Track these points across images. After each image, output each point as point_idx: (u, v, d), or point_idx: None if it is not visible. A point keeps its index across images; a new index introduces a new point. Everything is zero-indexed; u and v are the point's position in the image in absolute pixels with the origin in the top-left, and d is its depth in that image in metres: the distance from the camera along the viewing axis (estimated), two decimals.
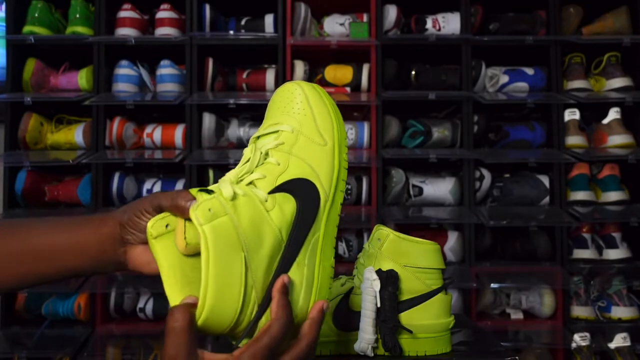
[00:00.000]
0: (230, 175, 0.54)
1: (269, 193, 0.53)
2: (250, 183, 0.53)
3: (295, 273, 0.52)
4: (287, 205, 0.53)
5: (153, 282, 1.75)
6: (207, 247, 0.46)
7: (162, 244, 0.50)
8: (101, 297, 1.75)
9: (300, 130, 0.57)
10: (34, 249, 0.56)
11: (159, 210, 0.52)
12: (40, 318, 1.78)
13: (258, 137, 0.59)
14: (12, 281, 0.57)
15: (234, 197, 0.50)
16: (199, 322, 0.46)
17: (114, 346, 1.71)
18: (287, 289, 0.50)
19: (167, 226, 0.51)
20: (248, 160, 0.56)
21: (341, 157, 0.58)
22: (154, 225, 0.50)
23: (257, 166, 0.55)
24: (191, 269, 0.50)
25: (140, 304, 1.77)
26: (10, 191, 1.76)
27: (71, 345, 1.63)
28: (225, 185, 0.51)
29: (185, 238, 0.49)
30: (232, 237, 0.48)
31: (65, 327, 1.76)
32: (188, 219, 0.49)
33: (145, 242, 0.54)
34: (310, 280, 0.53)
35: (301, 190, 0.54)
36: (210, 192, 0.50)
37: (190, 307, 0.47)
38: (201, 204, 0.47)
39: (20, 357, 1.61)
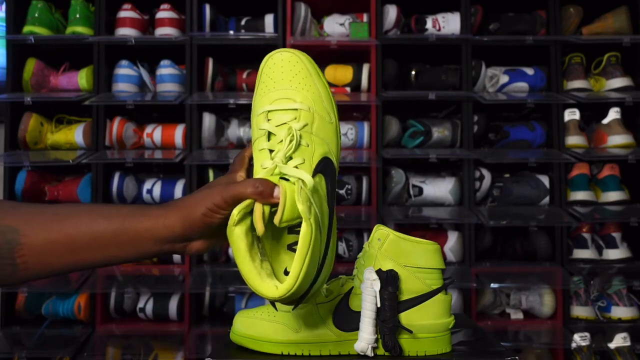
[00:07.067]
0: (277, 160, 0.56)
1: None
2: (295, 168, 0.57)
3: (332, 240, 0.59)
4: (322, 184, 0.58)
5: (153, 282, 1.76)
6: (311, 236, 0.52)
7: (240, 230, 0.53)
8: (101, 297, 1.75)
9: (315, 109, 0.62)
10: (85, 237, 0.55)
11: (237, 201, 0.54)
12: (40, 318, 1.78)
13: (269, 111, 0.61)
14: (55, 268, 0.55)
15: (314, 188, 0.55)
16: (288, 295, 0.52)
17: (114, 346, 1.71)
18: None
19: (244, 214, 0.53)
20: (282, 141, 0.58)
21: (340, 130, 0.64)
22: (239, 213, 0.53)
23: (294, 150, 0.58)
24: (259, 250, 0.55)
25: (140, 304, 1.76)
26: (10, 191, 1.76)
27: (71, 345, 1.63)
28: (305, 175, 0.55)
29: (264, 222, 0.53)
30: (319, 224, 0.54)
31: (65, 327, 1.75)
32: (269, 205, 0.53)
33: (206, 237, 0.57)
34: (334, 243, 0.61)
35: (326, 168, 0.59)
36: (286, 179, 0.54)
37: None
38: (301, 196, 0.52)
39: (20, 357, 1.61)
